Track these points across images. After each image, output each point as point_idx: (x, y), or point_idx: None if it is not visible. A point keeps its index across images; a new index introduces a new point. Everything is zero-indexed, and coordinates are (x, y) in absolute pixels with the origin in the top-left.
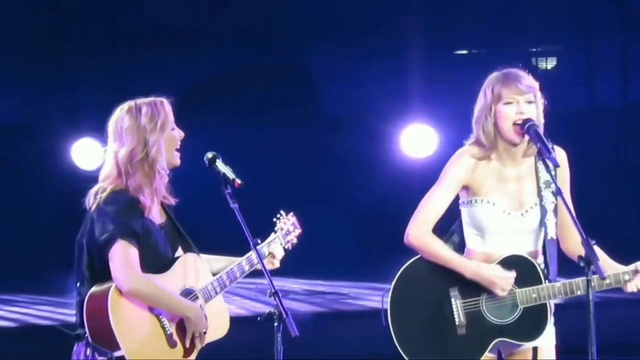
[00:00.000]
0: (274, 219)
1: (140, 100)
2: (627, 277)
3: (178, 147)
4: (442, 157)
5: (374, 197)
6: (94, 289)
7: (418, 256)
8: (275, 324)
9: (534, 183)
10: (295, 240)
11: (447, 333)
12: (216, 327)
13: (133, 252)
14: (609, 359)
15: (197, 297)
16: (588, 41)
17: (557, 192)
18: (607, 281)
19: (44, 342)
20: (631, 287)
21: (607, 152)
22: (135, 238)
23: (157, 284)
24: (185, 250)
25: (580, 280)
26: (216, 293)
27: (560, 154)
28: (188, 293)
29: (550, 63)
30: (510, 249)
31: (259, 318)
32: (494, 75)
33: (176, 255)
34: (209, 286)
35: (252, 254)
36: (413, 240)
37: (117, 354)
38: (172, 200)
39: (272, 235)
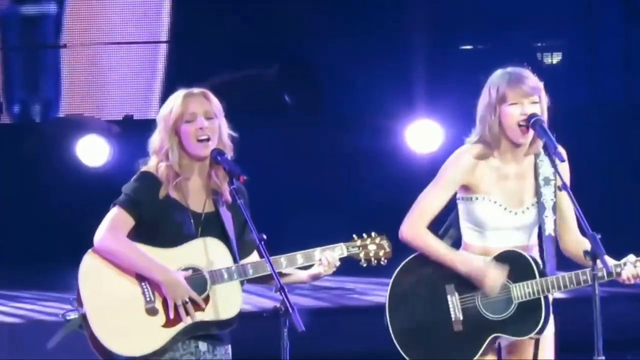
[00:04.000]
0: (354, 235)
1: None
2: (618, 269)
3: (200, 138)
4: (447, 152)
5: (380, 192)
6: None
7: (417, 253)
8: (282, 319)
9: (533, 181)
10: (380, 261)
11: (444, 330)
12: (219, 308)
13: (124, 218)
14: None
15: (202, 276)
16: (591, 36)
17: (564, 187)
18: (600, 274)
19: (50, 338)
20: (624, 275)
21: (611, 148)
22: (134, 209)
23: (130, 244)
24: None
25: (573, 274)
26: (231, 278)
27: (561, 152)
28: (193, 271)
29: (555, 58)
30: (507, 244)
31: (265, 313)
32: (498, 73)
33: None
34: (223, 270)
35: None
36: (407, 236)
37: (83, 309)
38: (227, 197)
39: (335, 245)
